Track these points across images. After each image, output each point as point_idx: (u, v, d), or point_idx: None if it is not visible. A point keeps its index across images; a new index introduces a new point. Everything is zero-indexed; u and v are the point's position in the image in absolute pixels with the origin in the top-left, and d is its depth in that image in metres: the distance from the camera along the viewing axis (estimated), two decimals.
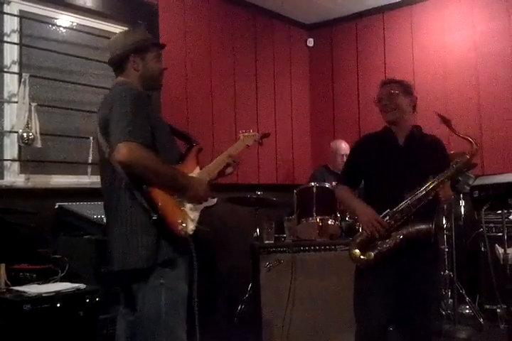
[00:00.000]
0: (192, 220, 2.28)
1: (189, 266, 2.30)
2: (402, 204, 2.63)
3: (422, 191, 2.62)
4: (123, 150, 2.11)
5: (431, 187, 2.62)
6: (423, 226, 2.60)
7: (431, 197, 2.61)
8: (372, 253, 2.65)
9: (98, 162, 2.43)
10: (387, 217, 2.64)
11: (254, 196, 4.20)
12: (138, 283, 2.27)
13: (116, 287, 2.58)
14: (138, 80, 2.43)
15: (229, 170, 2.62)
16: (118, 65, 2.46)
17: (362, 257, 2.67)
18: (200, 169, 2.50)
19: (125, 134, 2.12)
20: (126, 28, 2.54)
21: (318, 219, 4.05)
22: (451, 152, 4.56)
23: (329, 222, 4.05)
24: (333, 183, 3.97)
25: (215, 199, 2.46)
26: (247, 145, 2.79)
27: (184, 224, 2.22)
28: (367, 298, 2.74)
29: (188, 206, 2.31)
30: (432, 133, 2.91)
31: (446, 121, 2.69)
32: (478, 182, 4.01)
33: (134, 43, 2.43)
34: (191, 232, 2.25)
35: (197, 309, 2.26)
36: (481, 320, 4.25)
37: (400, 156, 2.76)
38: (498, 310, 4.20)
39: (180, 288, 2.28)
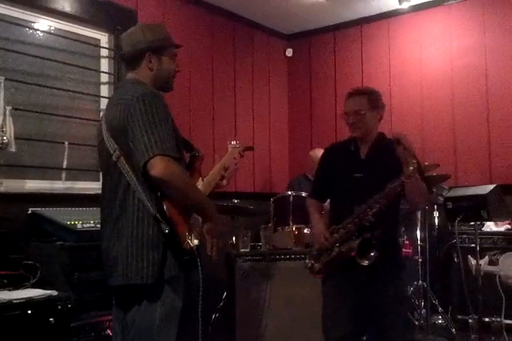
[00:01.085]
0: (196, 235, 2.21)
1: (187, 280, 2.24)
2: (346, 220, 2.65)
3: (363, 209, 2.61)
4: (160, 166, 2.00)
5: (367, 206, 2.60)
6: (351, 243, 2.61)
7: (370, 217, 2.58)
8: (317, 266, 2.74)
9: (101, 166, 2.29)
10: (336, 232, 2.68)
11: (231, 204, 4.19)
12: (135, 296, 2.18)
13: (91, 294, 2.53)
14: (150, 80, 2.32)
15: (224, 182, 2.61)
16: (131, 60, 2.34)
17: (311, 268, 2.77)
18: (202, 179, 2.46)
19: (159, 147, 2.02)
20: (146, 24, 2.44)
21: (294, 228, 4.06)
22: (426, 163, 4.66)
23: (305, 231, 4.06)
24: None
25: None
26: (234, 157, 2.79)
27: (190, 239, 2.16)
28: (331, 309, 2.76)
29: (192, 220, 2.25)
30: None
31: (397, 142, 2.54)
32: (452, 193, 4.06)
33: (154, 41, 2.31)
34: (195, 247, 2.18)
35: (201, 326, 2.23)
36: (453, 330, 4.29)
37: (359, 169, 2.74)
38: (470, 321, 4.23)
39: (175, 303, 2.20)
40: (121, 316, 2.29)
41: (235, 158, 2.78)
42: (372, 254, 2.55)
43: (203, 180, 2.47)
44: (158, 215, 2.08)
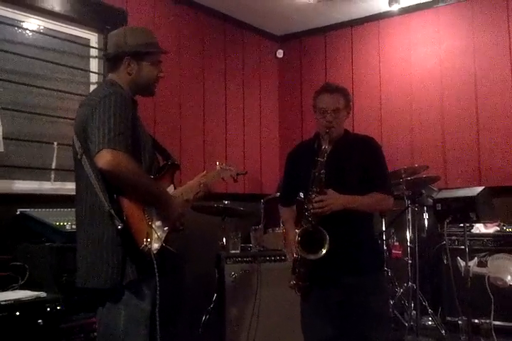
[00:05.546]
0: (158, 239, 2.18)
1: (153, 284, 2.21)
2: (302, 222, 2.58)
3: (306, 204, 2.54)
4: (106, 158, 2.02)
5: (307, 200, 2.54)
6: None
7: (312, 211, 2.50)
8: (294, 281, 2.63)
9: (74, 164, 2.32)
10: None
11: (221, 205, 4.17)
12: (99, 298, 2.19)
13: (80, 296, 2.50)
14: (128, 84, 2.34)
15: (200, 196, 2.55)
16: (111, 62, 2.36)
17: (294, 286, 2.65)
18: (175, 188, 2.42)
19: (108, 141, 2.04)
20: (132, 27, 2.44)
21: (284, 229, 4.05)
22: (415, 165, 4.69)
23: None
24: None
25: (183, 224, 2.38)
26: (222, 178, 2.77)
27: (149, 241, 2.11)
28: (309, 316, 2.70)
29: (157, 223, 2.21)
30: (366, 134, 2.86)
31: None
32: (441, 195, 4.08)
33: (134, 46, 2.32)
34: (155, 251, 2.14)
35: (159, 331, 2.17)
36: (443, 331, 4.30)
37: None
38: (460, 322, 4.25)
39: (140, 306, 2.18)
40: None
41: (223, 179, 2.77)
42: (322, 250, 2.46)
43: (174, 188, 2.43)
44: (112, 211, 2.08)
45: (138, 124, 2.26)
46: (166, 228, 2.25)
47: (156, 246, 2.15)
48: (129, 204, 2.11)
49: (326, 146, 2.55)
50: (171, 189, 2.39)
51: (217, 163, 2.81)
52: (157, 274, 2.13)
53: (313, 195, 2.52)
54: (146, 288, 2.19)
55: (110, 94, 2.17)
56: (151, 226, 2.17)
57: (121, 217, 2.07)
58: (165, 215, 2.23)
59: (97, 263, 2.12)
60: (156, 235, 2.17)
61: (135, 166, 2.11)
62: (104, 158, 2.02)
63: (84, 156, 2.16)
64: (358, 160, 2.65)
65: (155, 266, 2.12)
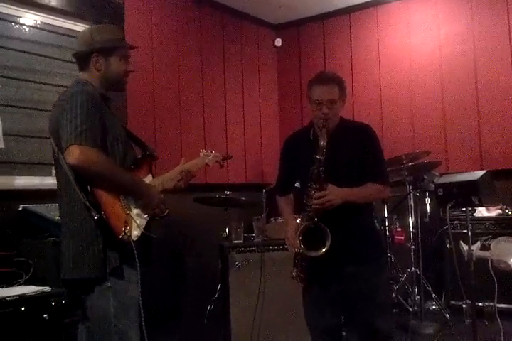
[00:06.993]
0: (138, 226, 2.23)
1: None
2: (302, 215, 2.57)
3: (306, 199, 2.53)
4: (74, 154, 2.09)
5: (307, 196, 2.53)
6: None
7: (312, 206, 2.49)
8: (296, 272, 2.63)
9: (54, 163, 2.42)
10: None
11: (223, 196, 4.18)
12: (86, 288, 2.24)
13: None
14: (99, 80, 2.39)
15: (181, 184, 2.53)
16: (81, 60, 2.42)
17: (296, 277, 2.65)
18: (153, 177, 2.46)
19: (74, 137, 2.10)
20: (98, 26, 2.48)
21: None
22: (417, 151, 4.68)
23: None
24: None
25: (166, 210, 2.39)
26: (207, 164, 2.79)
27: (127, 229, 2.16)
28: (312, 306, 2.72)
29: (136, 211, 2.27)
30: (364, 123, 2.81)
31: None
32: (443, 180, 4.07)
33: (100, 42, 2.37)
34: (135, 238, 2.19)
35: (143, 315, 2.21)
36: (447, 315, 4.32)
37: None
38: (464, 306, 4.27)
39: (129, 291, 2.24)
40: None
41: (208, 165, 2.78)
42: (324, 247, 2.46)
43: (153, 178, 2.46)
44: (87, 203, 2.14)
45: (109, 118, 2.30)
46: (146, 215, 2.31)
47: (135, 233, 2.21)
48: (105, 195, 2.17)
49: (323, 142, 2.51)
50: (148, 178, 2.43)
51: (201, 150, 2.83)
52: (137, 260, 2.18)
53: (313, 192, 2.52)
54: (132, 275, 2.24)
55: (76, 92, 2.23)
56: (129, 214, 2.22)
57: (99, 208, 2.13)
58: (143, 203, 2.29)
59: (80, 255, 2.20)
60: (135, 223, 2.22)
61: (105, 159, 2.17)
62: (73, 154, 2.09)
63: (60, 154, 2.22)
64: (354, 151, 2.63)
65: (135, 252, 2.17)
